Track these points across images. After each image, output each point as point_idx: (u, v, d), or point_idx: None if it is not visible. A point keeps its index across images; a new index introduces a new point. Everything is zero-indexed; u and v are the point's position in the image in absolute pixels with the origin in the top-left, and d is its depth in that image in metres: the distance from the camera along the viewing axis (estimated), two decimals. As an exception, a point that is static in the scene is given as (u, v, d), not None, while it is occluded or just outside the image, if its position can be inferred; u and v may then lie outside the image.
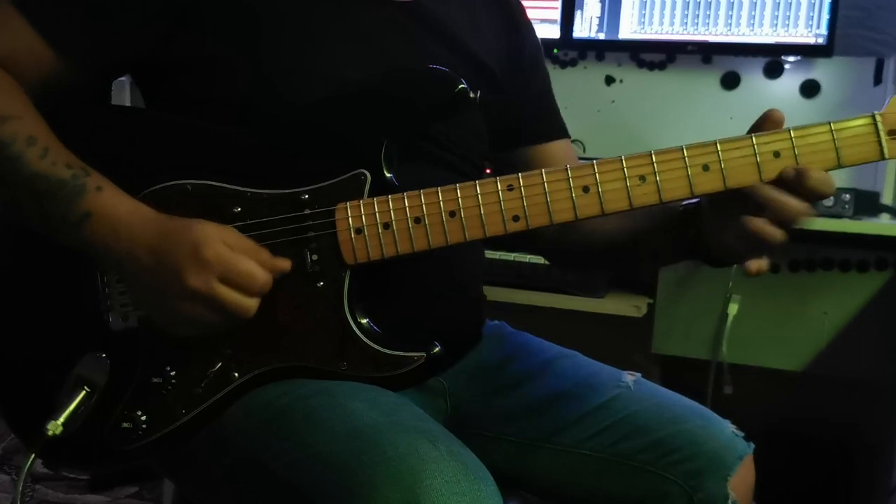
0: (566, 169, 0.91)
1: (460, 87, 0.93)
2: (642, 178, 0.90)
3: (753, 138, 0.89)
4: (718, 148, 0.89)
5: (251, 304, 0.88)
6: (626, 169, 0.90)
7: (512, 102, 1.16)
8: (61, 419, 0.91)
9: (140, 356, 0.94)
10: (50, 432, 0.90)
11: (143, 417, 0.93)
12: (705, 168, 0.89)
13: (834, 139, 0.88)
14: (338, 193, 0.92)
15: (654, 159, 0.89)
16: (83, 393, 0.93)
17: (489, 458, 0.87)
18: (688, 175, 0.89)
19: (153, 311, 0.91)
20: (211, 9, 0.95)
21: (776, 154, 0.88)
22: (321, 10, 1.00)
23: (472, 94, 0.94)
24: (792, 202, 0.88)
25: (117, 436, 0.94)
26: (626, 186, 0.90)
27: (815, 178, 0.87)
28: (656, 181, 0.89)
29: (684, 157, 0.89)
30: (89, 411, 0.93)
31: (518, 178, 0.91)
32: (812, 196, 0.88)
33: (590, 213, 0.90)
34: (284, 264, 0.91)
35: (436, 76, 0.95)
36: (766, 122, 0.91)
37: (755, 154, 0.88)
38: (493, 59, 1.12)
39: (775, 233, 0.89)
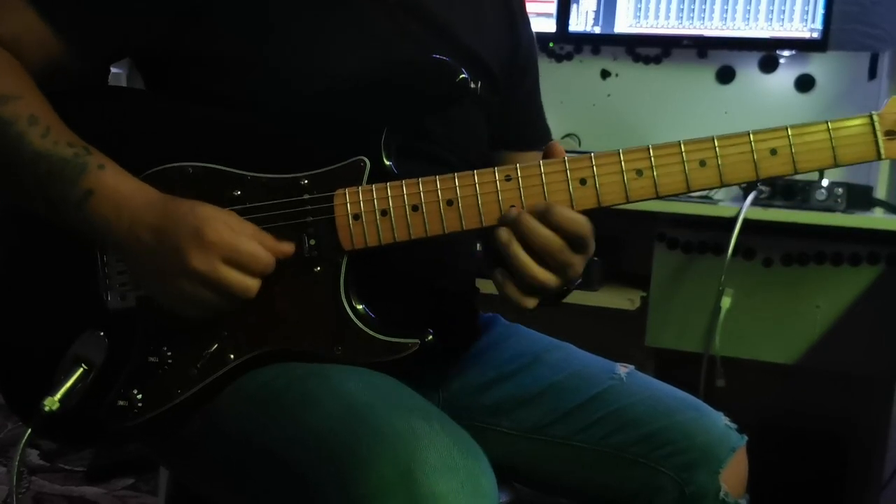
0: (564, 161, 0.91)
1: (461, 76, 0.93)
2: (639, 171, 0.90)
3: (751, 135, 0.89)
4: (716, 144, 0.89)
5: (253, 284, 0.89)
6: (623, 162, 0.90)
7: (504, 103, 1.16)
8: (58, 395, 0.91)
9: (137, 336, 0.95)
10: (46, 408, 0.90)
11: (139, 396, 0.94)
12: (702, 164, 0.89)
13: (831, 138, 0.88)
14: (337, 179, 0.93)
15: (651, 153, 0.90)
16: (80, 370, 0.93)
17: (482, 449, 0.87)
18: (685, 170, 0.89)
19: (154, 291, 0.92)
20: (214, 3, 0.95)
21: (773, 151, 0.89)
22: (326, 7, 0.99)
23: (472, 84, 0.94)
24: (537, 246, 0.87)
25: (113, 414, 0.94)
26: (624, 180, 0.90)
27: (559, 214, 0.87)
28: (653, 175, 0.90)
29: (682, 153, 0.89)
30: (86, 389, 0.94)
31: (516, 169, 0.91)
32: (562, 232, 0.88)
33: (587, 205, 0.91)
34: (288, 247, 0.91)
35: (437, 65, 0.95)
36: (549, 153, 0.91)
37: (752, 151, 0.89)
38: (493, 59, 1.12)
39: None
